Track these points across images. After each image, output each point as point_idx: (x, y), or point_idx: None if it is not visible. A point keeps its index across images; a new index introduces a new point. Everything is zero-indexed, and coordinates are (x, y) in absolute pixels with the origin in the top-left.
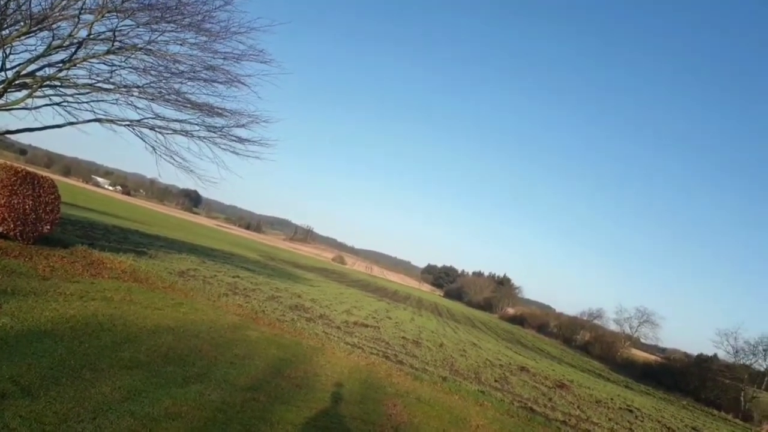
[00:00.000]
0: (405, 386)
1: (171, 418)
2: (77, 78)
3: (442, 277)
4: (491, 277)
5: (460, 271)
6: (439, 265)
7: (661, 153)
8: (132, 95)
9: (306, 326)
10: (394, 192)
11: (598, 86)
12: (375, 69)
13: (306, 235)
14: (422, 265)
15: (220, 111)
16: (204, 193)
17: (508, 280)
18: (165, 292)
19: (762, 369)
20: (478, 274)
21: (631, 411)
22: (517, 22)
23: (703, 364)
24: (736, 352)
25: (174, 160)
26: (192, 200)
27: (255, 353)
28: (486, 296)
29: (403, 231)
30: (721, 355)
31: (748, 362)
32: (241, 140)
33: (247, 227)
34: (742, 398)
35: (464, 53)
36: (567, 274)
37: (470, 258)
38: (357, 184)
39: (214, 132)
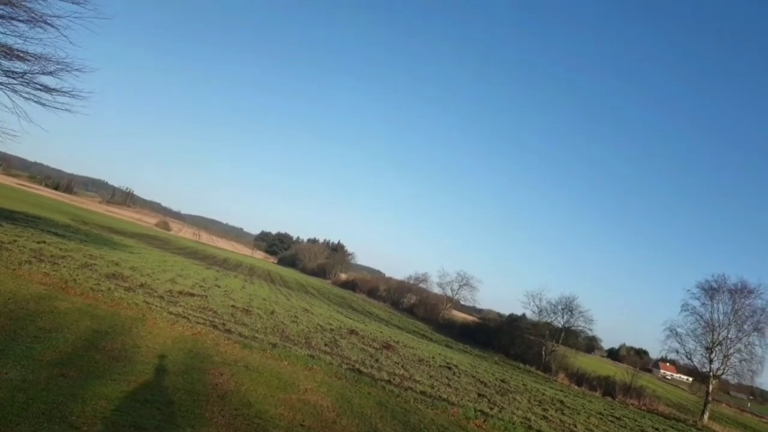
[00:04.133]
0: (233, 355)
1: None
2: None
3: (276, 245)
4: (326, 243)
5: (294, 238)
6: (274, 232)
7: (471, 133)
8: None
9: (125, 296)
10: (225, 156)
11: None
12: (208, 22)
13: (126, 198)
14: (256, 232)
15: (21, 54)
16: (1, 148)
17: (342, 246)
18: None
19: (560, 326)
20: (313, 241)
21: (450, 368)
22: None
23: (513, 323)
24: (540, 311)
25: None
26: None
27: (64, 326)
28: (320, 263)
29: (235, 197)
30: (528, 314)
31: (549, 320)
32: (48, 89)
33: (56, 187)
34: (543, 352)
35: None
36: (397, 240)
37: (305, 225)
38: (185, 144)
39: (13, 78)
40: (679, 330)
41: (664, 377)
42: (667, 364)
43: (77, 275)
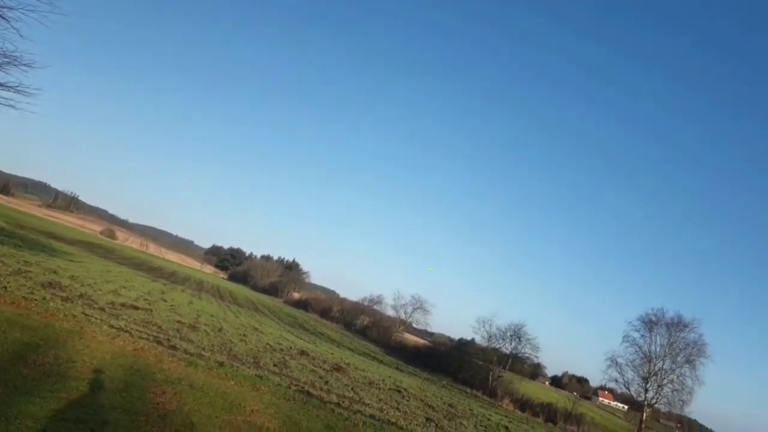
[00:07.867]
0: (177, 372)
1: None
2: None
3: (228, 260)
4: (280, 261)
5: (247, 254)
6: (226, 246)
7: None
8: None
9: (62, 306)
10: (179, 165)
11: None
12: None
13: (70, 203)
14: (207, 245)
15: None
16: None
17: (297, 264)
18: None
19: (507, 352)
20: (267, 258)
21: (399, 391)
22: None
23: (463, 347)
24: (490, 337)
25: None
26: None
27: None
28: (273, 280)
29: (188, 208)
30: (478, 339)
31: (498, 346)
32: None
33: None
34: (490, 377)
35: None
36: (354, 261)
37: (259, 241)
38: (136, 152)
39: None
40: (619, 360)
41: (602, 405)
42: (605, 392)
43: (8, 282)
